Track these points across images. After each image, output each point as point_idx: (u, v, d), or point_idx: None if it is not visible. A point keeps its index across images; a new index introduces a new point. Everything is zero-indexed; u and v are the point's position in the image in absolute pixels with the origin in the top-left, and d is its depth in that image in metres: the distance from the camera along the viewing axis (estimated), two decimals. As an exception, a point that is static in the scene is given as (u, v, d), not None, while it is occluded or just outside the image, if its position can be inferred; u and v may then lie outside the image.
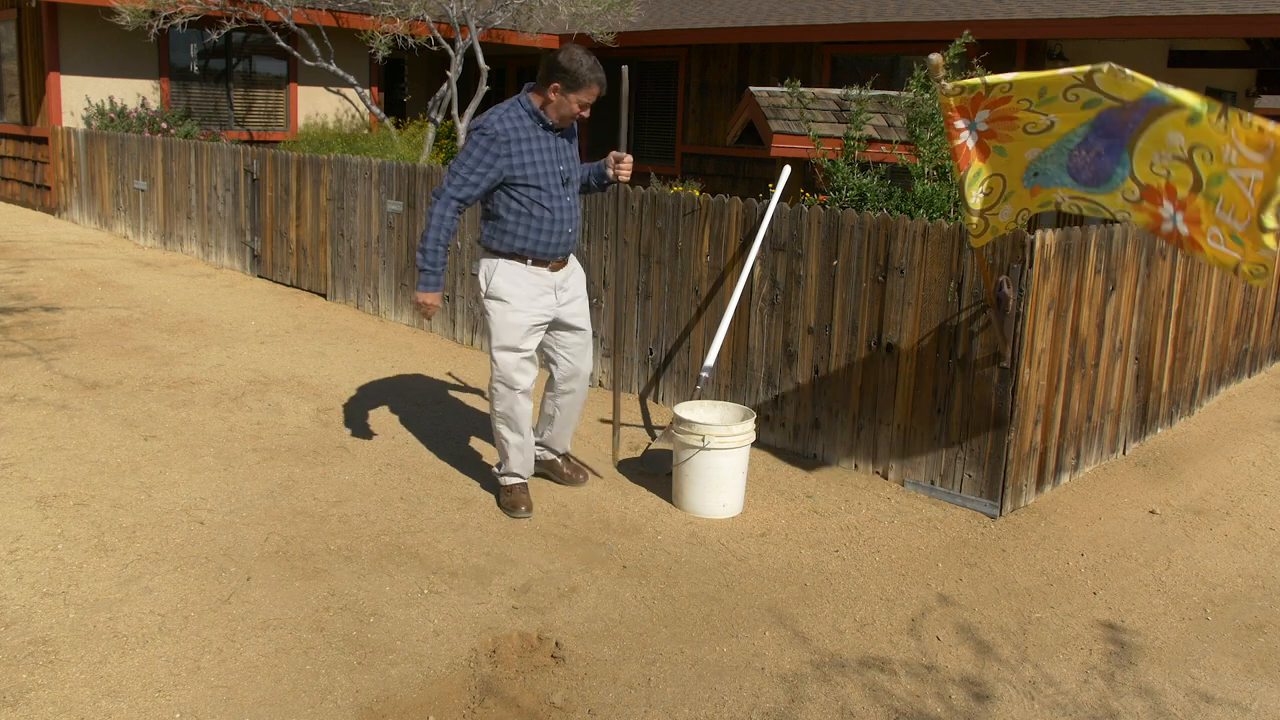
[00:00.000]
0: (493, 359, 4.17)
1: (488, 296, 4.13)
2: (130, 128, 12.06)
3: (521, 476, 4.32)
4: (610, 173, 4.31)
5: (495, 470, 4.37)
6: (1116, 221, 3.62)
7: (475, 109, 11.48)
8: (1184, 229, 3.30)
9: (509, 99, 4.09)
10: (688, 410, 4.49)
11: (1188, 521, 4.53)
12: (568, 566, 3.81)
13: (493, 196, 4.08)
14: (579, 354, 4.34)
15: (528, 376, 4.17)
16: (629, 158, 4.33)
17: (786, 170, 5.59)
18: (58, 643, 3.12)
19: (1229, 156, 3.08)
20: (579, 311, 4.30)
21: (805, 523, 4.32)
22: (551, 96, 4.01)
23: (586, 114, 4.06)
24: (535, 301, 4.12)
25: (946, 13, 11.56)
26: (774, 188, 5.21)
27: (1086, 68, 3.27)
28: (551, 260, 4.15)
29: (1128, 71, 3.20)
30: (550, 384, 4.43)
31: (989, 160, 3.66)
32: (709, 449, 4.25)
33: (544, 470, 4.60)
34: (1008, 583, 3.87)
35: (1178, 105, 3.13)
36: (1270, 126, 2.99)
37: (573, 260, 4.32)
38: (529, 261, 4.10)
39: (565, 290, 4.22)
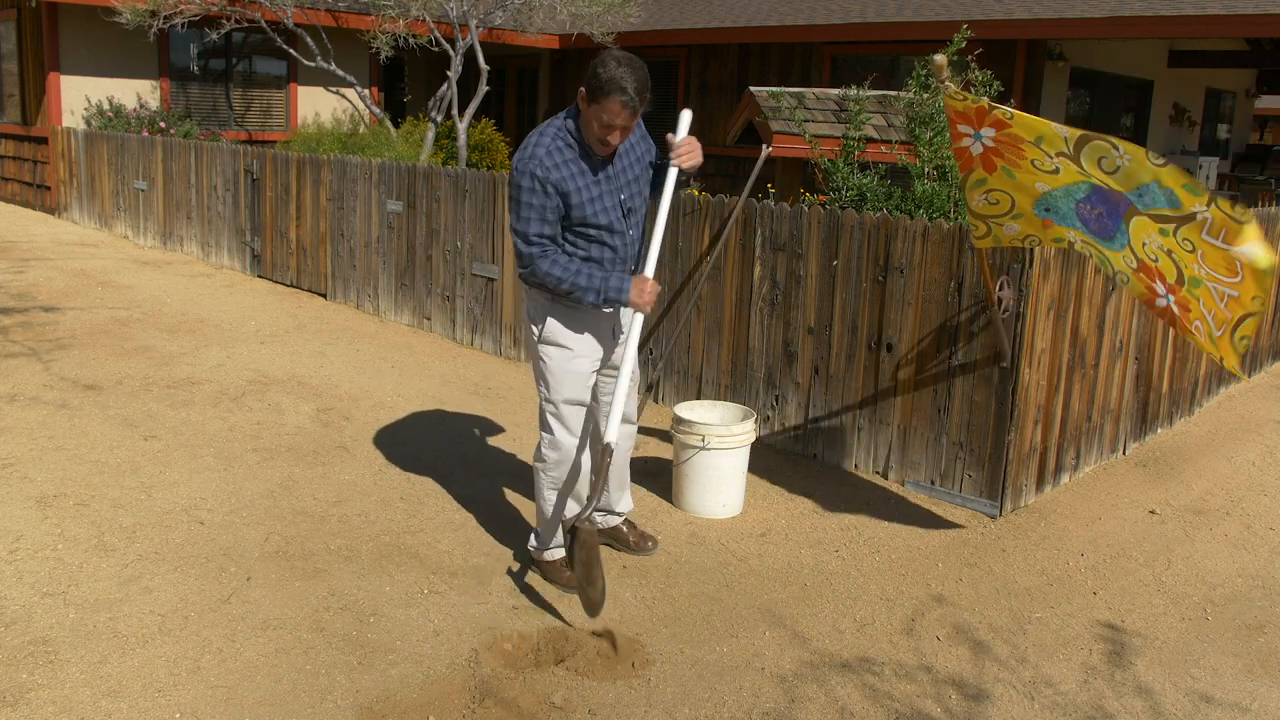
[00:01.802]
0: (548, 414, 3.54)
1: (542, 341, 3.51)
2: (130, 127, 12.06)
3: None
4: (673, 160, 3.47)
5: (533, 546, 3.73)
6: (1115, 277, 3.61)
7: (475, 109, 11.49)
8: (1176, 310, 3.38)
9: (552, 119, 3.41)
10: (687, 410, 4.48)
11: (1188, 521, 4.53)
12: (568, 566, 3.81)
13: None
14: (616, 392, 3.57)
15: (587, 431, 3.60)
16: (690, 140, 3.49)
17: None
18: (58, 643, 3.12)
19: (1200, 271, 3.16)
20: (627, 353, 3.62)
21: (805, 523, 4.32)
22: (580, 105, 3.30)
23: (614, 139, 3.28)
24: (595, 345, 3.54)
25: (946, 13, 11.56)
26: (773, 187, 5.22)
27: (1076, 135, 3.22)
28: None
29: (1118, 149, 3.14)
30: (594, 434, 3.76)
31: (995, 175, 3.62)
32: (709, 449, 4.24)
33: (606, 539, 3.95)
34: (1007, 583, 3.87)
35: (1155, 215, 3.17)
36: (1237, 251, 3.03)
37: None
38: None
39: (622, 327, 3.65)
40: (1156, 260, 3.30)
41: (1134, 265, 3.46)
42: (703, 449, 4.25)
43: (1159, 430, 5.73)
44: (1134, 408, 5.38)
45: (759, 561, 3.94)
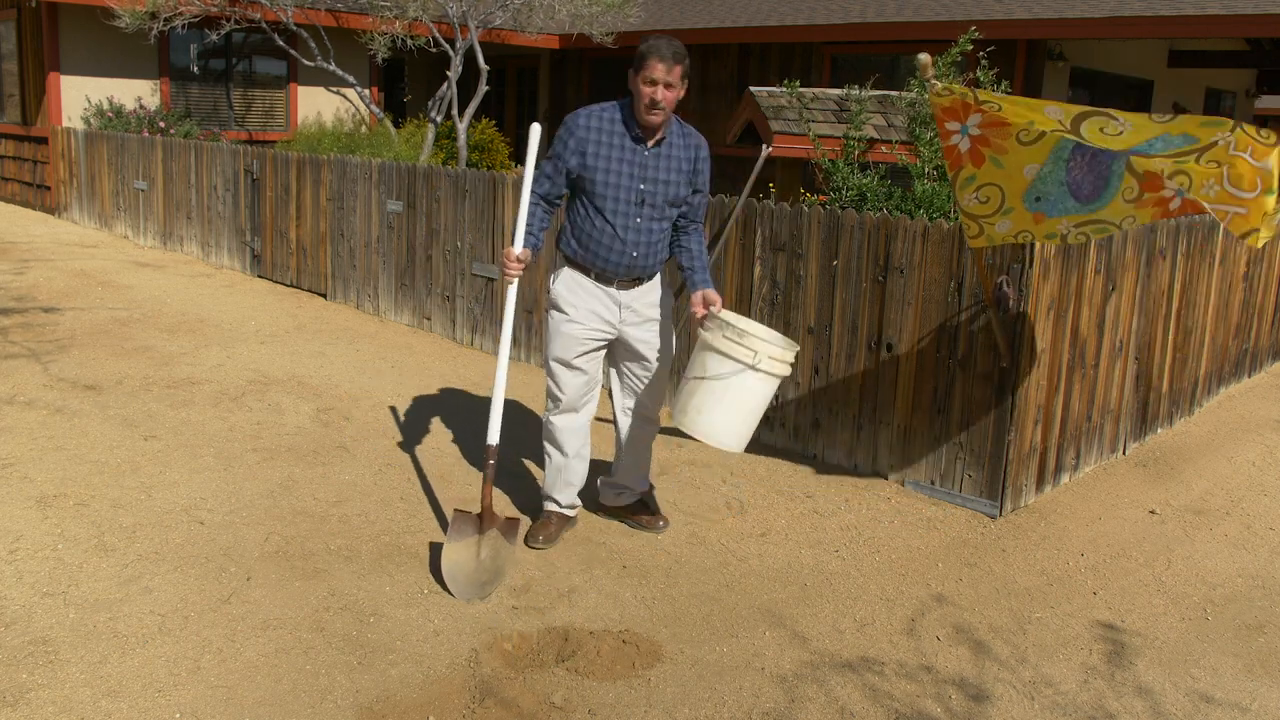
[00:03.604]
0: (546, 371, 3.90)
1: (549, 305, 3.85)
2: (129, 127, 12.06)
3: (559, 504, 4.01)
4: (696, 310, 3.67)
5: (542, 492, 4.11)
6: (1121, 231, 3.59)
7: (475, 109, 11.48)
8: (1193, 196, 3.25)
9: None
10: (736, 317, 3.60)
11: (1188, 521, 4.53)
12: (568, 566, 3.81)
13: (571, 196, 3.79)
14: (638, 378, 3.91)
15: (577, 394, 3.87)
16: (716, 306, 3.63)
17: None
18: (58, 643, 3.12)
19: (1217, 186, 3.09)
20: (645, 337, 3.85)
21: (805, 523, 4.32)
22: (631, 88, 3.61)
23: (659, 96, 3.52)
24: (594, 315, 3.78)
25: (946, 13, 11.57)
26: (773, 187, 5.21)
27: (1074, 114, 3.17)
28: (615, 279, 3.76)
29: (1117, 120, 3.11)
30: (612, 410, 4.09)
31: (984, 168, 3.62)
32: (758, 369, 3.46)
33: (619, 515, 4.21)
34: (1007, 583, 3.87)
35: (1173, 155, 3.11)
36: (1261, 165, 3.01)
37: (653, 282, 3.88)
38: (591, 275, 3.77)
39: (633, 310, 3.81)
40: (1164, 172, 3.16)
41: (1135, 194, 3.36)
42: (750, 368, 3.44)
43: (1159, 430, 5.73)
44: (1134, 408, 5.38)
45: (759, 561, 3.94)
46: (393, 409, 5.53)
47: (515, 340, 6.65)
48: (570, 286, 3.80)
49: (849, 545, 4.12)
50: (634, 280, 3.81)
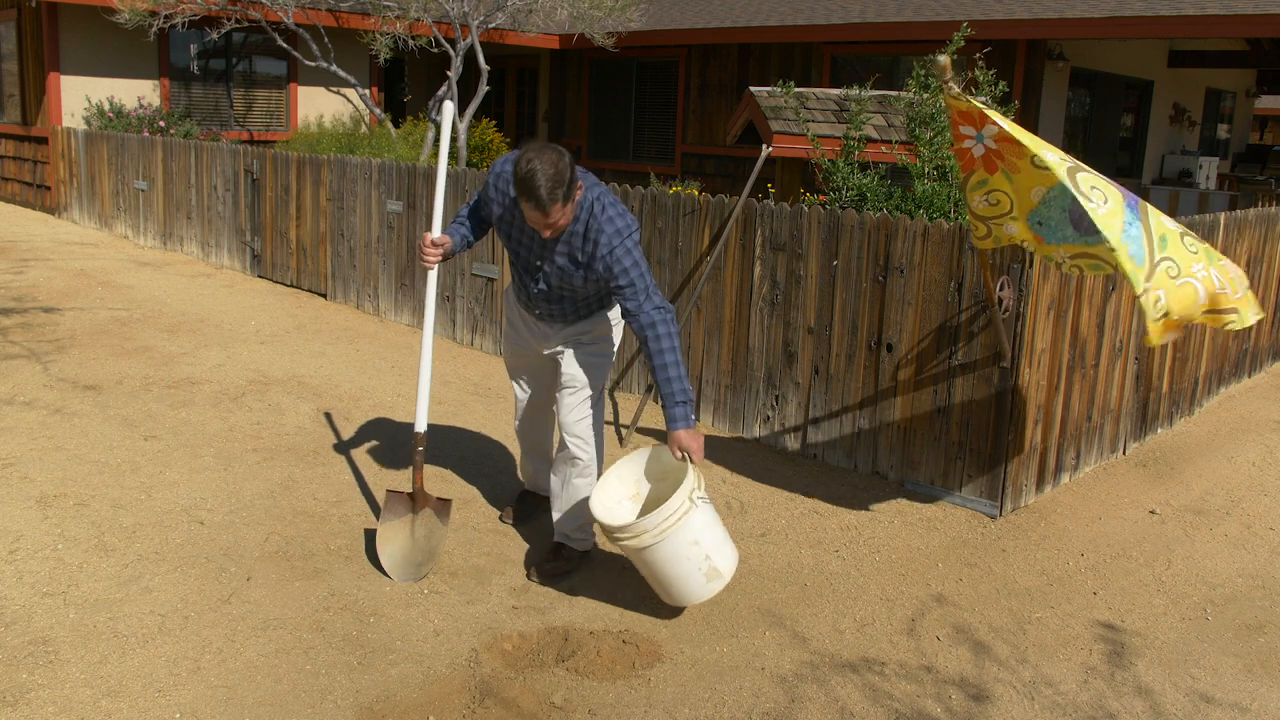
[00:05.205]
0: None
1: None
2: (130, 127, 12.06)
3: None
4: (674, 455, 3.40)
5: None
6: (1114, 270, 3.63)
7: (475, 109, 11.48)
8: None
9: None
10: (605, 511, 3.48)
11: (1188, 521, 4.54)
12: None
13: None
14: (561, 396, 3.67)
15: (524, 406, 3.97)
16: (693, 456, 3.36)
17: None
18: (58, 643, 3.12)
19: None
20: (565, 354, 3.67)
21: (805, 523, 4.32)
22: None
23: (545, 234, 3.31)
24: (514, 328, 3.84)
25: (946, 13, 11.57)
26: (773, 187, 5.20)
27: (1065, 167, 3.28)
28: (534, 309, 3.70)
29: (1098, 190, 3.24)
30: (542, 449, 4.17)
31: (996, 177, 3.63)
32: (627, 543, 3.31)
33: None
34: (1007, 583, 3.87)
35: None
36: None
37: (584, 322, 3.67)
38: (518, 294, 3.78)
39: (548, 335, 3.71)
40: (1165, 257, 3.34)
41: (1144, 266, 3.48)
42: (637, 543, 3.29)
43: (1159, 430, 5.73)
44: (1134, 408, 5.38)
45: (759, 561, 3.94)
46: (393, 409, 5.53)
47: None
48: (511, 300, 3.84)
49: (849, 545, 4.12)
50: (551, 320, 3.68)
